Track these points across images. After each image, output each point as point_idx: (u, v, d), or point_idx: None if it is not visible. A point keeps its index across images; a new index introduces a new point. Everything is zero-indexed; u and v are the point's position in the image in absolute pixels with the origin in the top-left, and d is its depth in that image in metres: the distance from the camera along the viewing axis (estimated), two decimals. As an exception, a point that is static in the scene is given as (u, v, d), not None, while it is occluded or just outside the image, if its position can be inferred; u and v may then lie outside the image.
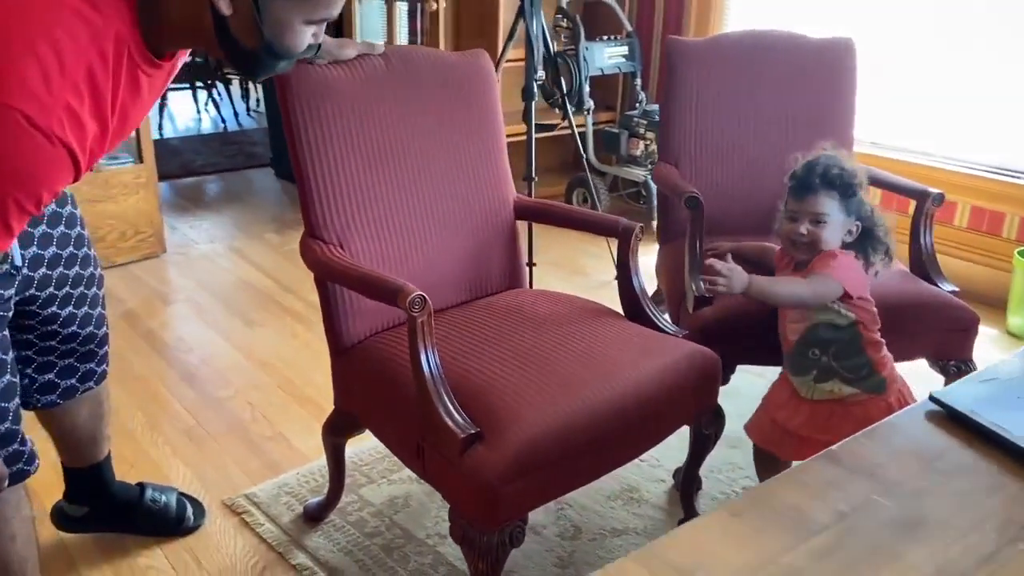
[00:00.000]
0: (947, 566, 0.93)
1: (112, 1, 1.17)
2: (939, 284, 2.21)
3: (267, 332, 3.11)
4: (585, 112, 4.17)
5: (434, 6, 4.01)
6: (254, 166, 5.41)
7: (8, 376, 1.44)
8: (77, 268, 1.64)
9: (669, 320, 2.04)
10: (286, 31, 1.24)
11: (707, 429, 1.91)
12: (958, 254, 3.41)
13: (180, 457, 2.33)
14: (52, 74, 1.10)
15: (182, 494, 2.07)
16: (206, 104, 6.92)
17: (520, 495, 1.52)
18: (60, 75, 1.11)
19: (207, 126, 6.68)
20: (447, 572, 1.90)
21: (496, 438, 1.51)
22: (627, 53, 4.30)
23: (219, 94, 6.86)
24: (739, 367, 2.10)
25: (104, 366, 1.81)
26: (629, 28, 4.34)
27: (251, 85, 7.11)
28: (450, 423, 1.52)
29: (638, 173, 4.21)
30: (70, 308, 1.64)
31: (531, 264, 2.94)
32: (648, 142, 4.15)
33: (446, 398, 1.56)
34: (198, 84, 6.66)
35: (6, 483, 1.40)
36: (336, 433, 1.96)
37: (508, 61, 3.70)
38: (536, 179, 3.05)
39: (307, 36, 1.28)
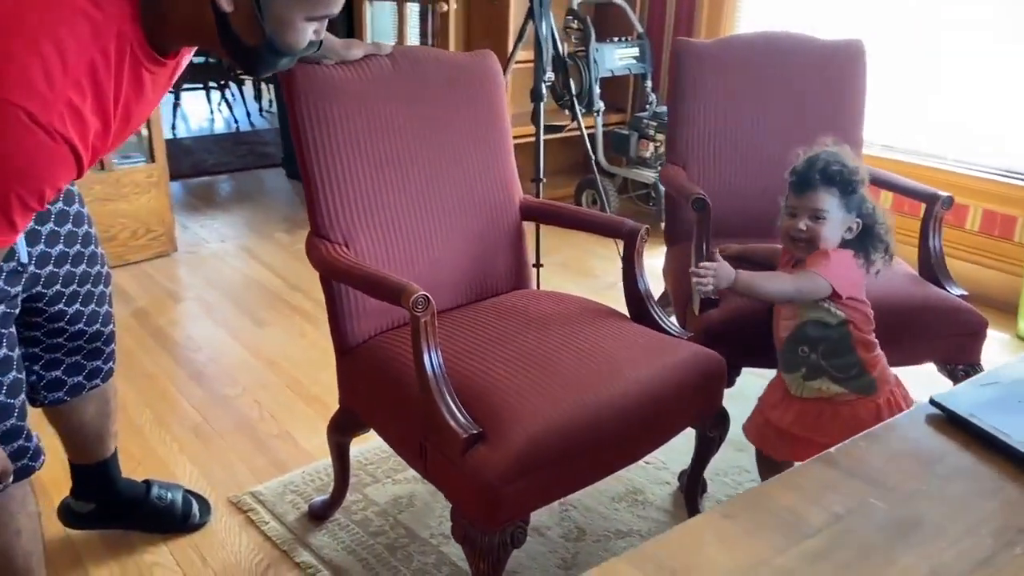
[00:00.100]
0: (941, 570, 0.93)
1: None
2: (948, 288, 2.20)
3: (275, 331, 3.12)
4: (595, 113, 4.17)
5: (445, 7, 4.02)
6: (265, 166, 5.44)
7: (14, 372, 1.46)
8: (84, 266, 1.65)
9: (676, 322, 2.04)
10: (287, 28, 1.25)
11: (712, 432, 1.91)
12: (969, 258, 3.40)
13: (187, 454, 2.35)
14: (54, 71, 1.11)
15: (188, 491, 2.09)
16: (219, 104, 6.96)
17: (521, 495, 1.52)
18: (62, 72, 1.12)
19: (220, 126, 6.72)
20: (450, 572, 1.90)
21: (498, 438, 1.51)
22: (638, 55, 4.30)
23: (232, 94, 6.90)
24: (745, 370, 2.10)
25: (111, 364, 1.82)
26: (640, 30, 4.34)
27: (264, 85, 7.14)
28: (452, 423, 1.53)
29: (648, 175, 4.21)
30: (77, 305, 1.66)
31: (538, 265, 2.94)
32: (658, 144, 4.15)
33: (448, 398, 1.56)
34: (211, 84, 6.70)
35: (11, 479, 1.41)
36: (341, 432, 1.97)
37: (517, 62, 3.71)
38: (545, 180, 3.05)
39: (308, 33, 1.28)
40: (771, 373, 2.01)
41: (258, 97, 7.27)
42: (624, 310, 2.01)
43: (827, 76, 2.57)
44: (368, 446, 2.29)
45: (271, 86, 6.62)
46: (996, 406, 1.22)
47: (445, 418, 1.53)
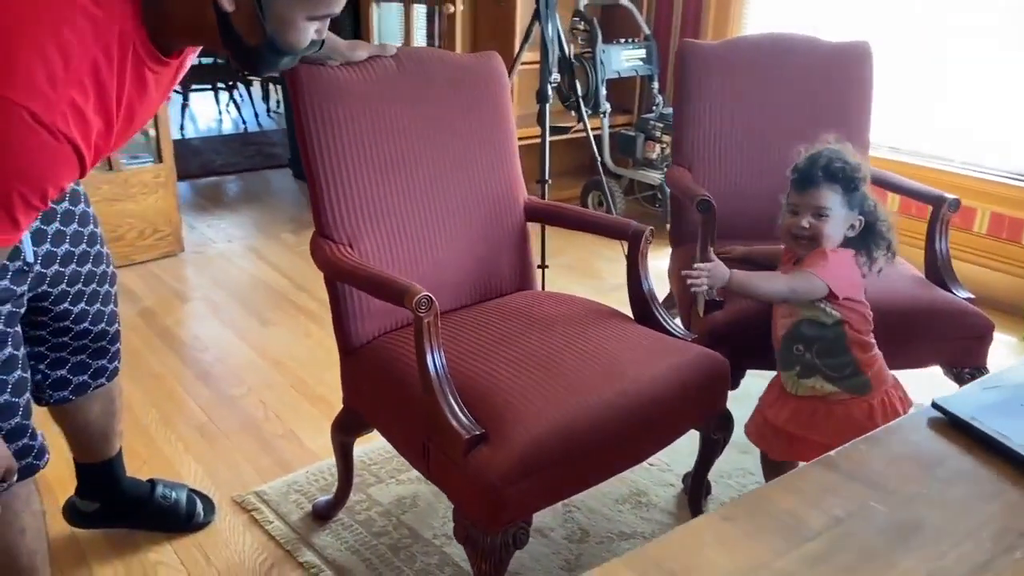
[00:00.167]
0: (941, 573, 0.93)
1: None
2: (954, 291, 2.19)
3: (281, 331, 3.13)
4: (601, 115, 4.17)
5: (451, 9, 4.02)
6: (273, 167, 5.46)
7: (19, 371, 1.46)
8: (90, 265, 1.66)
9: (680, 323, 2.04)
10: (288, 27, 1.25)
11: (716, 434, 1.91)
12: (977, 260, 3.38)
13: (192, 454, 2.35)
14: (57, 71, 1.11)
15: (192, 491, 2.09)
16: (227, 105, 6.98)
17: (524, 496, 1.52)
18: (65, 71, 1.12)
19: (228, 127, 6.74)
20: (453, 572, 1.90)
21: (500, 439, 1.51)
22: (644, 56, 4.30)
23: (240, 95, 6.92)
24: (749, 372, 2.09)
25: (116, 363, 1.83)
26: (647, 31, 4.33)
27: (272, 86, 7.16)
28: (455, 424, 1.53)
29: (654, 176, 4.20)
30: (82, 305, 1.66)
31: (543, 266, 2.94)
32: (664, 145, 4.14)
33: (451, 399, 1.56)
34: (220, 85, 6.72)
35: (16, 477, 1.42)
36: (345, 432, 1.98)
37: (524, 64, 3.71)
38: (550, 182, 3.05)
39: (310, 32, 1.28)
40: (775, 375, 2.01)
41: (266, 98, 7.29)
42: (629, 312, 2.01)
43: (833, 77, 2.56)
44: (372, 446, 2.30)
45: (279, 87, 6.63)
46: (998, 409, 1.22)
47: (448, 419, 1.53)
